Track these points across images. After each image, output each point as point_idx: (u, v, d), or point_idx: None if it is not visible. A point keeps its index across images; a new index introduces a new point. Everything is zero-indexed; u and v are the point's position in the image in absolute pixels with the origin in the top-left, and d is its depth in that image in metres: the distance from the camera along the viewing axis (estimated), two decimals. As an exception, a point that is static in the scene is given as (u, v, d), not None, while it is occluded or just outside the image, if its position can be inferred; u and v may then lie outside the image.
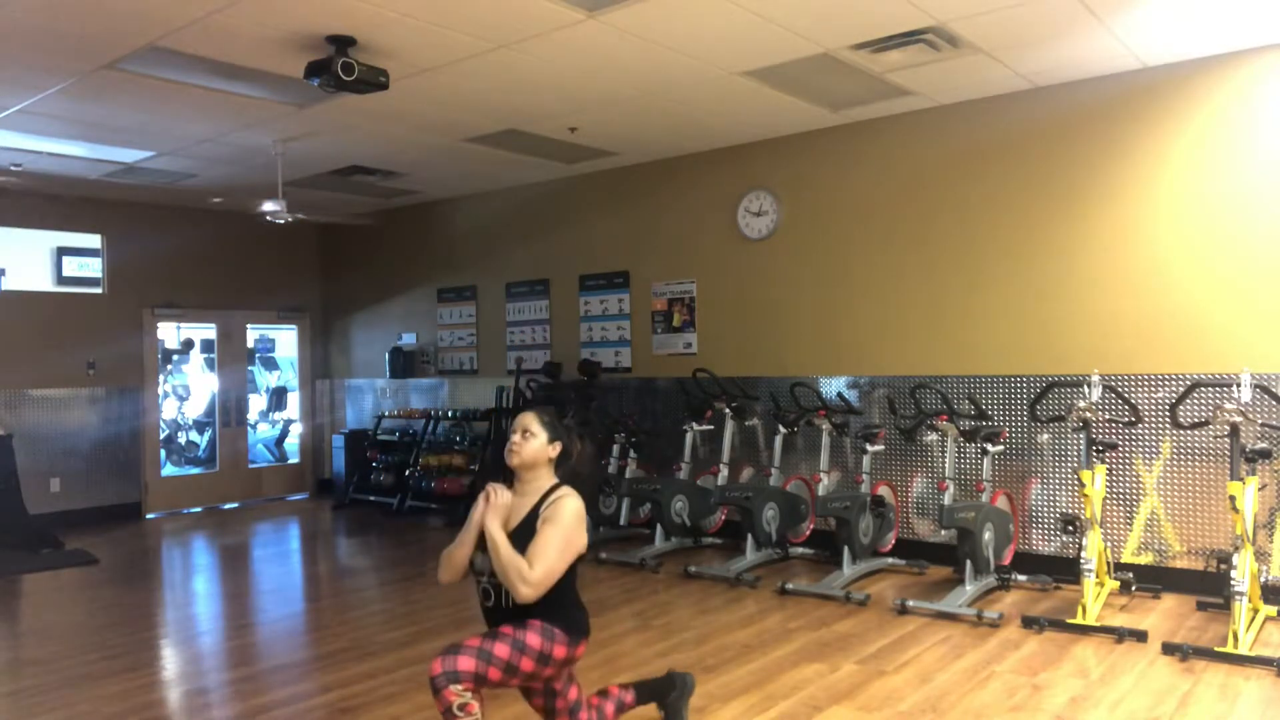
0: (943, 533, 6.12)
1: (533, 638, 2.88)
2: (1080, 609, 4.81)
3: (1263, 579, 5.05)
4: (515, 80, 5.54)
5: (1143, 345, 5.54)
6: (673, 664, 4.35)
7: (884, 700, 3.88)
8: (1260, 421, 4.94)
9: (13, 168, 7.59)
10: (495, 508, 2.91)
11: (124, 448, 9.18)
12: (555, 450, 3.07)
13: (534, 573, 2.81)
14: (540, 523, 2.91)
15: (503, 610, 2.95)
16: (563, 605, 2.96)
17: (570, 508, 2.94)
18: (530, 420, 3.06)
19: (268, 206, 7.14)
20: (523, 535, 2.91)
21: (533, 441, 3.03)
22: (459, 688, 2.73)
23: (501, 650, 2.83)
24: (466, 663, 2.76)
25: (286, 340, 11.66)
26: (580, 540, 2.95)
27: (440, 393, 9.65)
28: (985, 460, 5.74)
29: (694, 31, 4.81)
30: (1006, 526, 5.74)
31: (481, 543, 2.96)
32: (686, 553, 6.85)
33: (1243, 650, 4.23)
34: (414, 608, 5.52)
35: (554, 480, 3.07)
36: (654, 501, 6.77)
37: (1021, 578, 5.65)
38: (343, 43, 4.78)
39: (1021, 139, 5.97)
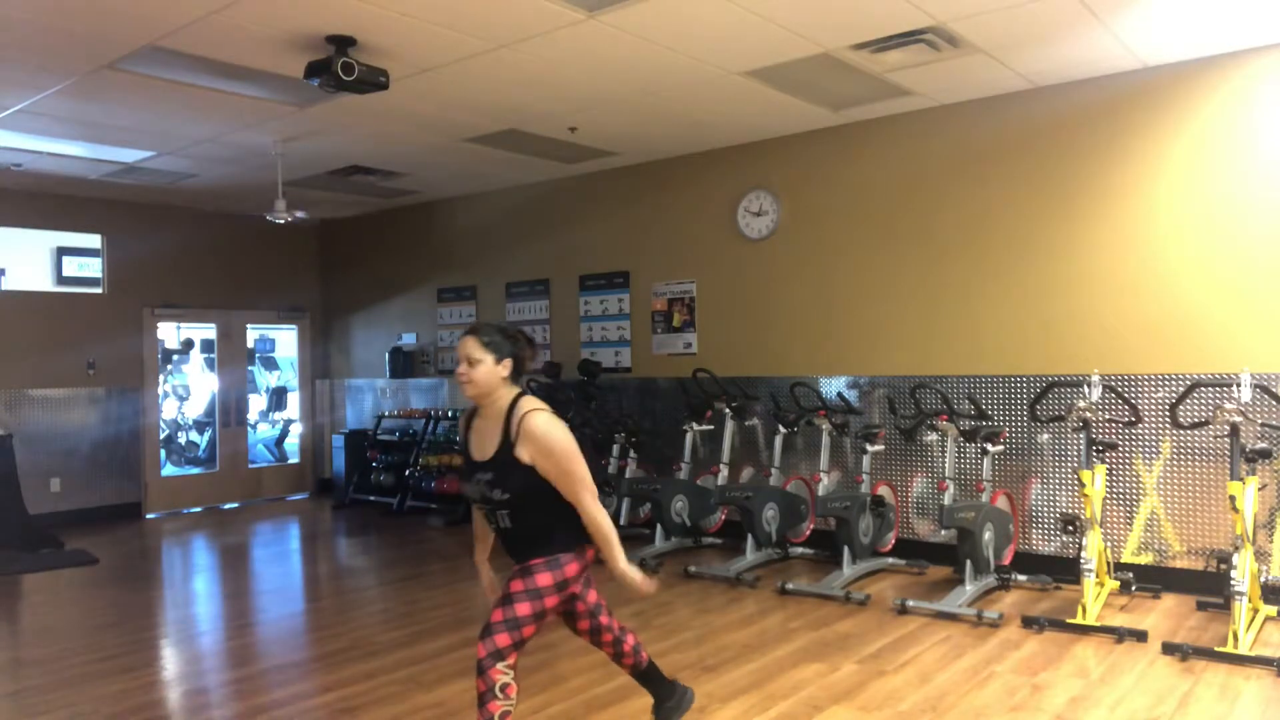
0: (943, 533, 6.12)
1: (543, 578, 2.92)
2: (1080, 609, 4.81)
3: (1263, 579, 5.05)
4: (515, 80, 5.54)
5: (1143, 345, 5.54)
6: (673, 664, 4.35)
7: (884, 700, 3.88)
8: (1260, 421, 4.94)
9: (13, 168, 7.59)
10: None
11: (124, 448, 9.18)
12: (507, 368, 2.94)
13: (588, 502, 2.89)
14: (525, 455, 2.85)
15: (505, 530, 2.99)
16: (558, 526, 2.97)
17: (543, 424, 2.86)
18: (472, 346, 2.90)
19: (277, 210, 7.15)
20: (501, 460, 2.87)
21: (481, 367, 2.89)
22: (504, 665, 2.82)
23: (524, 609, 2.87)
24: (503, 639, 2.83)
25: (286, 340, 11.66)
26: (571, 438, 2.90)
27: (440, 393, 9.65)
28: (985, 460, 5.74)
29: (694, 31, 4.81)
30: (1006, 526, 5.74)
31: (466, 470, 3.01)
32: (686, 553, 6.85)
33: (1243, 650, 4.23)
34: (414, 608, 5.52)
35: (513, 392, 2.96)
36: (654, 501, 6.77)
37: (1021, 578, 5.65)
38: (343, 43, 4.78)
39: (1021, 139, 5.97)
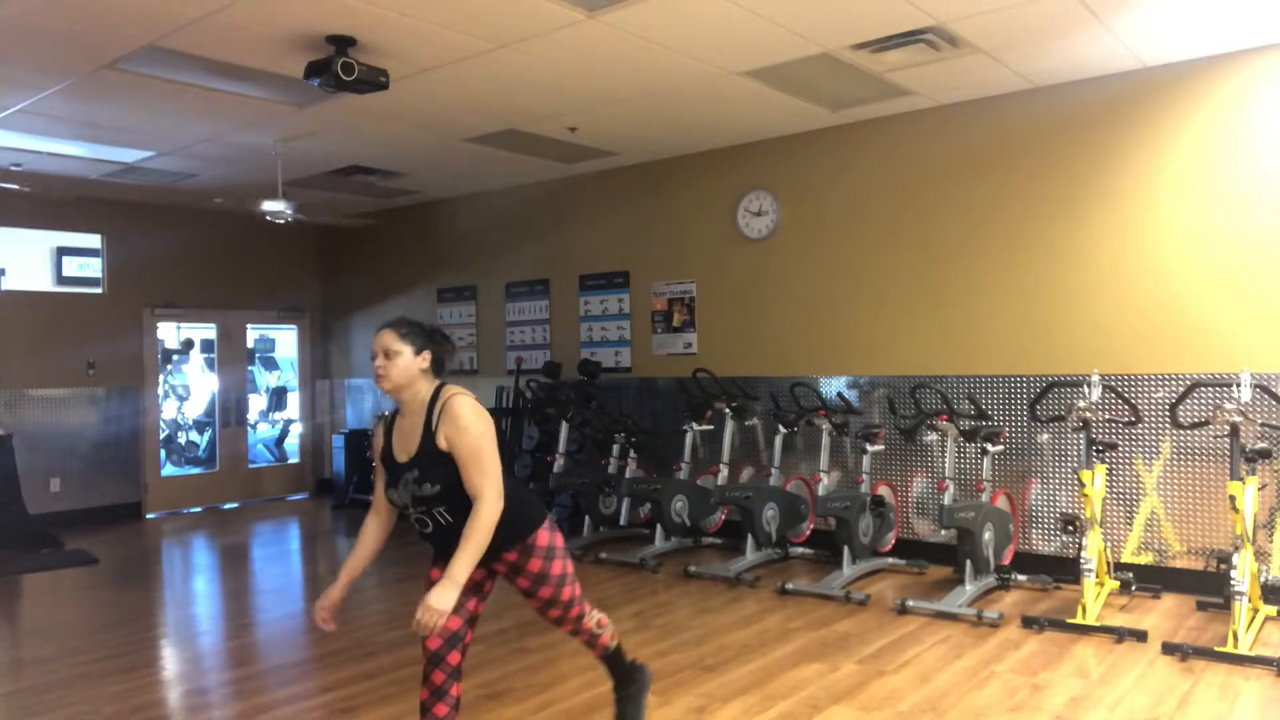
0: (943, 533, 6.12)
1: (554, 566, 3.01)
2: (1080, 609, 4.81)
3: (1263, 579, 5.05)
4: (515, 80, 5.54)
5: (1143, 345, 5.54)
6: (673, 664, 4.35)
7: (884, 700, 3.88)
8: (1260, 421, 4.94)
9: (13, 168, 7.59)
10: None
11: (124, 448, 9.17)
12: (425, 361, 2.86)
13: (490, 495, 2.73)
14: (443, 440, 2.77)
15: (444, 530, 2.83)
16: (518, 509, 2.90)
17: (463, 405, 2.79)
18: (390, 339, 2.82)
19: (271, 206, 7.13)
20: (425, 452, 2.79)
21: (399, 360, 2.81)
22: (586, 615, 3.15)
23: (566, 594, 3.04)
24: (573, 610, 3.10)
25: (286, 340, 11.66)
26: (490, 426, 2.82)
27: (440, 393, 9.63)
28: (985, 460, 5.74)
29: (694, 31, 4.81)
30: (1006, 526, 5.74)
31: (390, 476, 2.87)
32: (686, 553, 6.85)
33: (1243, 650, 4.23)
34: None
35: (432, 384, 2.88)
36: (654, 501, 6.77)
37: (1021, 578, 5.65)
38: (343, 43, 4.78)
39: (1021, 139, 5.97)
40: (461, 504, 2.79)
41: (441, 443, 2.77)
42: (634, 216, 8.00)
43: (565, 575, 3.01)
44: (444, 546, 2.86)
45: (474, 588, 2.93)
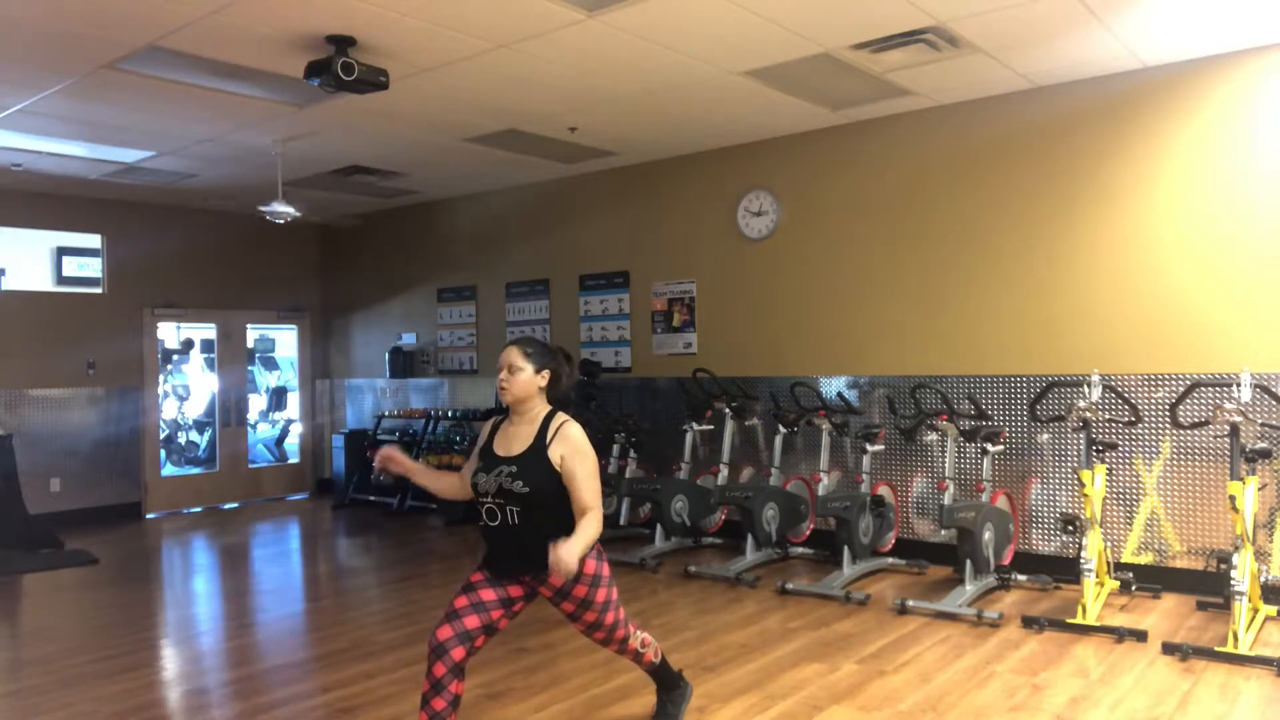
0: (943, 533, 6.12)
1: (596, 589, 3.18)
2: (1080, 609, 4.81)
3: (1263, 579, 5.05)
4: (515, 80, 5.54)
5: (1143, 345, 5.54)
6: (673, 664, 4.34)
7: (884, 700, 3.88)
8: (1260, 421, 4.94)
9: (13, 168, 7.59)
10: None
11: (124, 448, 9.17)
12: (545, 379, 3.14)
13: (598, 513, 3.01)
14: (557, 456, 3.02)
15: (507, 529, 3.05)
16: (562, 534, 3.04)
17: (579, 433, 3.08)
18: (514, 355, 3.11)
19: (275, 208, 7.12)
20: (531, 456, 3.03)
21: (520, 375, 3.09)
22: (630, 631, 3.31)
23: (600, 595, 3.18)
24: (616, 630, 3.25)
25: (286, 340, 11.66)
26: (595, 456, 3.14)
27: (440, 393, 9.65)
28: (985, 460, 5.74)
29: (694, 31, 4.82)
30: (1006, 526, 5.74)
31: (485, 464, 3.08)
32: (686, 553, 6.85)
33: (1243, 650, 4.23)
34: (414, 608, 5.52)
35: (548, 406, 3.17)
36: (654, 501, 6.77)
37: (1021, 577, 5.65)
38: (343, 43, 4.78)
39: (1021, 139, 5.97)
40: (533, 513, 3.01)
41: (554, 457, 3.02)
42: (634, 216, 8.00)
43: (609, 602, 3.19)
44: (498, 544, 3.09)
45: (505, 602, 3.10)
